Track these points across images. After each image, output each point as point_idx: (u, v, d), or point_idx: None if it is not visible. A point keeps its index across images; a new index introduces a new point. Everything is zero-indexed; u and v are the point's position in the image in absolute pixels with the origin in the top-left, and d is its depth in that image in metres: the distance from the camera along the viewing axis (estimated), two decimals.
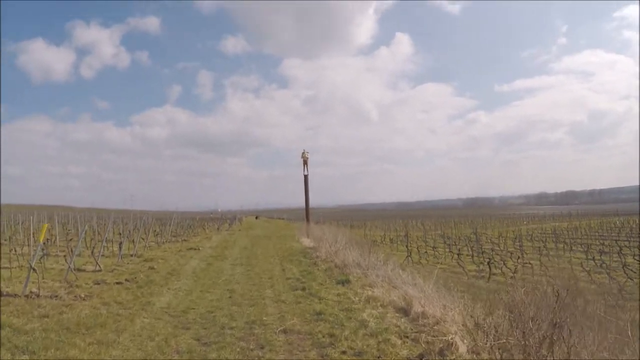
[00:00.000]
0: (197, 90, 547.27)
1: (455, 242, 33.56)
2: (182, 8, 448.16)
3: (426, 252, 28.48)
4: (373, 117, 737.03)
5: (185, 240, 31.47)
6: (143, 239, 25.33)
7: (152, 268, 16.45)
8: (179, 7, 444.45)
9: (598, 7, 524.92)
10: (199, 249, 24.02)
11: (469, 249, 29.99)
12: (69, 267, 14.08)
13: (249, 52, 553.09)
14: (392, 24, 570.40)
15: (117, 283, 13.25)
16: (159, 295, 11.30)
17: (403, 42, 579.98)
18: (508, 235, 42.45)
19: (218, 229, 48.26)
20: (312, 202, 42.63)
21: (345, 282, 12.52)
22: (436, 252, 28.94)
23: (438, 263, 24.87)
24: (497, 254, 26.69)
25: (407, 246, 27.33)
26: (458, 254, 25.14)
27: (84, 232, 18.92)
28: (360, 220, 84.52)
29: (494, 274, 20.53)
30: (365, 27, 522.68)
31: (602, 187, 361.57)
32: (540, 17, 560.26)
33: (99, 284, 13.13)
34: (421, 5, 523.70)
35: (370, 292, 10.54)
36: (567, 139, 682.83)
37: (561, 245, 31.31)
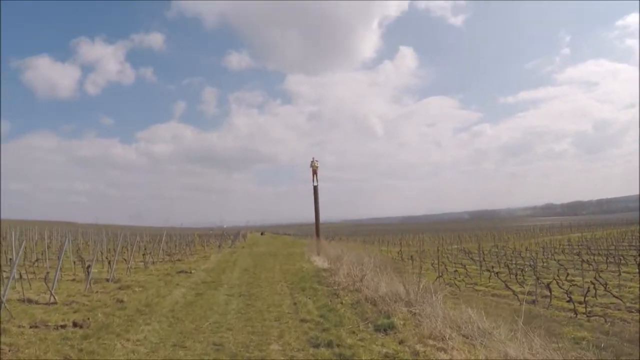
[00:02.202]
0: (201, 106, 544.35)
1: (483, 258, 29.47)
2: (186, 24, 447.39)
3: (456, 270, 24.43)
4: (378, 132, 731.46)
5: (179, 260, 27.65)
6: (125, 259, 21.62)
7: (120, 301, 12.52)
8: (182, 23, 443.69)
9: (600, 16, 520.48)
10: (190, 272, 20.09)
11: (500, 265, 26.15)
12: (1, 300, 10.33)
13: (253, 67, 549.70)
14: (396, 38, 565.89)
15: (61, 327, 9.40)
16: (105, 355, 7.35)
17: (407, 56, 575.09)
18: (532, 247, 38.62)
19: (219, 246, 44.23)
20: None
21: (388, 328, 8.46)
22: (467, 271, 24.79)
23: (474, 284, 20.95)
24: (535, 270, 22.74)
25: (438, 265, 23.19)
26: (497, 273, 21.14)
27: (22, 250, 14.92)
28: (369, 235, 79.97)
29: (545, 296, 16.49)
30: (369, 41, 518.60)
31: (609, 197, 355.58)
32: (544, 28, 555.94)
33: (36, 327, 9.36)
34: (425, 18, 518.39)
35: (443, 355, 6.47)
36: (571, 149, 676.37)
37: (601, 258, 27.40)
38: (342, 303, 11.56)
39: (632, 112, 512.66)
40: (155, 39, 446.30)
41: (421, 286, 11.11)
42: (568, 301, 15.06)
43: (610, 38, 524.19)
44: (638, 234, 44.40)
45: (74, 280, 17.49)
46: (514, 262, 27.46)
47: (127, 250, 26.31)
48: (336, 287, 13.99)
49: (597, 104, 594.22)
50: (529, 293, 18.16)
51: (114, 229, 68.72)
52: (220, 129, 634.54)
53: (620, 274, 21.28)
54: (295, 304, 11.94)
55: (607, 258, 26.02)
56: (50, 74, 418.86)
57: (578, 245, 40.24)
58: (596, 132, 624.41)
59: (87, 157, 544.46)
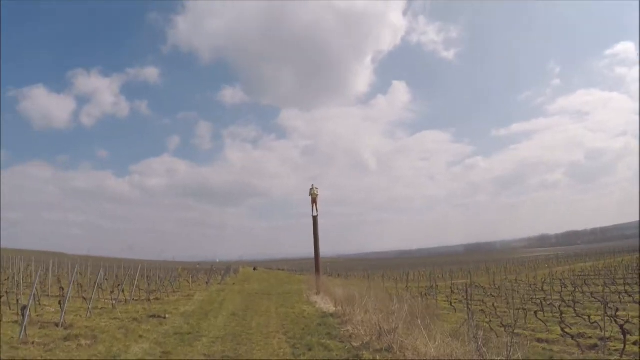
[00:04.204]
0: (195, 141, 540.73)
1: (506, 294, 25.80)
2: (181, 58, 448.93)
3: (482, 310, 20.81)
4: (372, 166, 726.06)
5: (157, 299, 23.75)
6: (85, 298, 17.91)
7: None
8: (177, 58, 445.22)
9: (589, 46, 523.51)
10: (164, 317, 16.36)
11: (524, 300, 22.93)
12: None
13: (247, 102, 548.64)
14: (389, 72, 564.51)
15: None
16: None
17: (400, 90, 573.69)
18: (547, 279, 35.28)
19: (207, 282, 40.22)
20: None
21: None
22: (496, 309, 20.99)
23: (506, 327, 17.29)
24: (569, 306, 19.16)
25: (467, 305, 19.21)
26: (535, 312, 17.74)
27: None
28: (367, 270, 75.79)
29: (601, 338, 13.24)
30: (362, 76, 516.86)
31: (603, 225, 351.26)
32: (534, 60, 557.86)
33: None
34: (417, 52, 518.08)
35: None
36: (565, 179, 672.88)
37: (630, 288, 25.01)
38: None
39: (624, 139, 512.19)
40: (151, 73, 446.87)
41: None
42: (634, 343, 12.27)
43: (600, 67, 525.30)
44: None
45: (14, 322, 13.75)
46: (537, 297, 24.18)
47: (95, 285, 22.53)
48: (356, 344, 10.23)
49: (589, 133, 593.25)
50: (580, 335, 14.66)
51: (104, 262, 64.76)
52: (214, 164, 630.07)
53: None
54: None
55: None
56: (45, 105, 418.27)
57: (595, 275, 37.30)
58: (589, 161, 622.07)
59: (81, 188, 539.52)
